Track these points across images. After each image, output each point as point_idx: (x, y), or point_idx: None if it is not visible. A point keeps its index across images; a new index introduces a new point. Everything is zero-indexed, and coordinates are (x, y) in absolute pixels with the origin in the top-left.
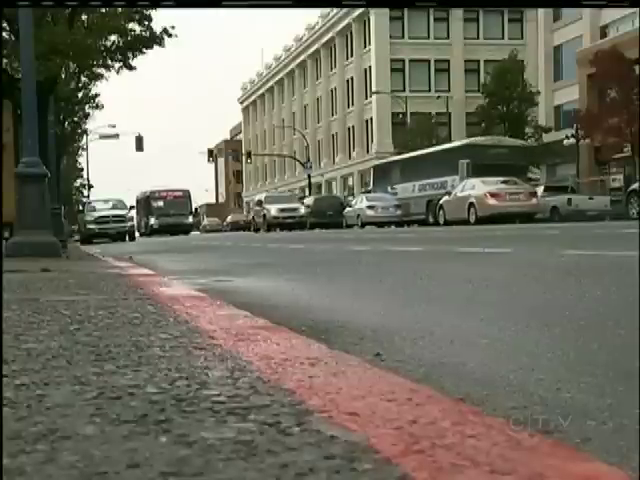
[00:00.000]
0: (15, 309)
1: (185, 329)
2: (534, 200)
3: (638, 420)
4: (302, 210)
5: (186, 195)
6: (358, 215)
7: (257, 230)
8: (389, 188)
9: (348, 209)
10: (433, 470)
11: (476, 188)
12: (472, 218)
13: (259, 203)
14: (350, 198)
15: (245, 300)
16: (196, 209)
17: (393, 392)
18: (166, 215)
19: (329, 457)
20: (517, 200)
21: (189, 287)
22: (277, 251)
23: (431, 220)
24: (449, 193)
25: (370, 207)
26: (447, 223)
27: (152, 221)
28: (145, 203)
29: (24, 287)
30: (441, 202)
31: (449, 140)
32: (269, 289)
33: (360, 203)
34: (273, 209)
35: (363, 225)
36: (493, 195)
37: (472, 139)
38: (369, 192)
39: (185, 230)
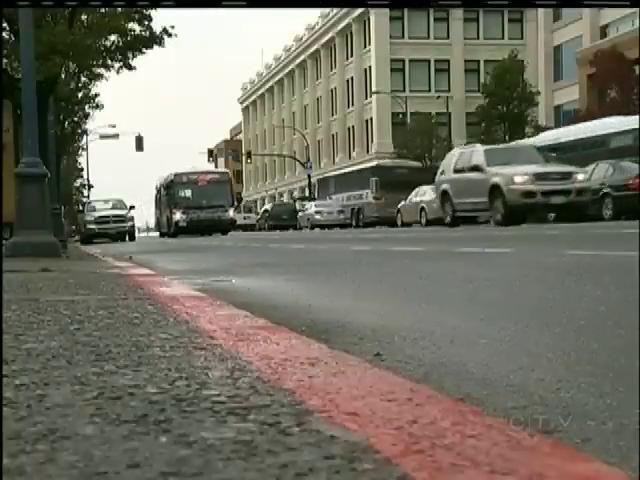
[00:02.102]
0: (15, 309)
1: (185, 329)
2: None
3: (638, 420)
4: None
5: (225, 179)
6: (308, 219)
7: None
8: (327, 197)
9: (300, 213)
10: (433, 470)
11: (427, 195)
12: (423, 221)
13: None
14: (304, 204)
15: (245, 300)
16: None
17: (393, 392)
18: (197, 207)
19: (329, 457)
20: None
21: (189, 287)
22: (277, 251)
23: (353, 223)
24: (366, 203)
25: (317, 212)
26: (404, 224)
27: (177, 216)
28: (167, 192)
29: (24, 287)
30: (398, 206)
31: (449, 140)
32: (269, 289)
33: (310, 209)
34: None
35: (312, 227)
36: None
37: (380, 161)
38: (314, 199)
39: (224, 229)
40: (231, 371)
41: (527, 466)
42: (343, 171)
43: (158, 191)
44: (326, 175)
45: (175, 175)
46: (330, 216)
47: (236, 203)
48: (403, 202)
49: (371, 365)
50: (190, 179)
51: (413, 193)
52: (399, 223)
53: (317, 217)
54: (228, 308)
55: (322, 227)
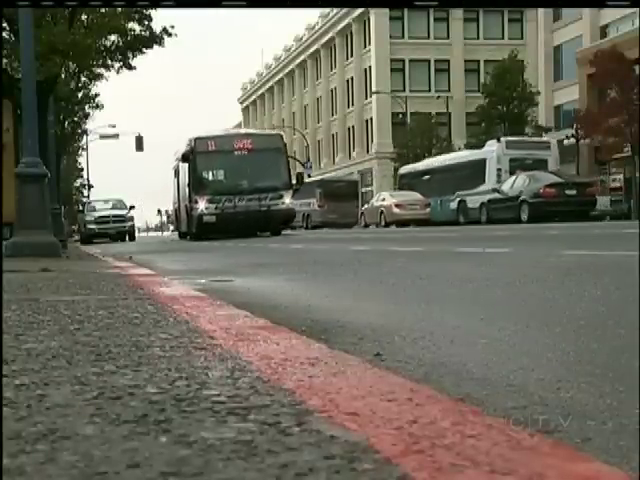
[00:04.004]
0: (15, 309)
1: (185, 329)
2: (427, 210)
3: (638, 420)
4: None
5: (277, 145)
6: None
7: None
8: None
9: None
10: (433, 470)
11: (386, 200)
12: (382, 222)
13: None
14: None
15: (245, 300)
16: None
17: (393, 392)
18: (233, 192)
19: (329, 457)
20: (415, 209)
21: (189, 287)
22: (277, 251)
23: (304, 226)
24: (313, 210)
25: None
26: (367, 225)
27: (201, 207)
28: (190, 167)
29: (24, 287)
30: (362, 209)
31: (449, 140)
32: (269, 289)
33: None
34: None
35: None
36: (397, 205)
37: (324, 176)
38: None
39: (276, 226)
40: (231, 371)
41: (527, 466)
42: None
43: (175, 172)
44: None
45: (197, 141)
46: None
47: (297, 185)
48: (367, 205)
49: (371, 365)
50: (220, 147)
51: (374, 198)
52: (363, 224)
53: None
54: (228, 308)
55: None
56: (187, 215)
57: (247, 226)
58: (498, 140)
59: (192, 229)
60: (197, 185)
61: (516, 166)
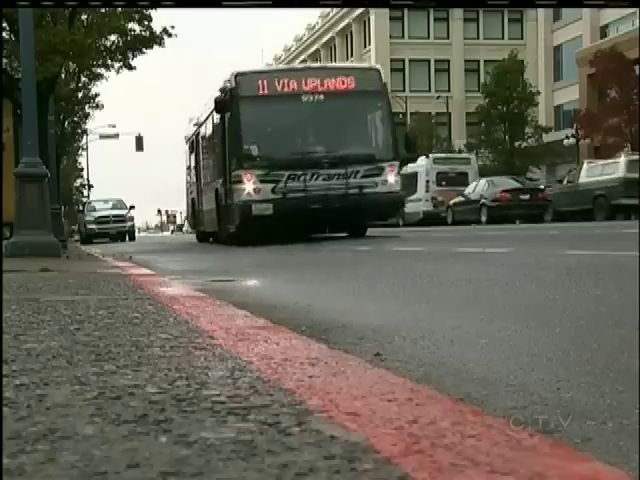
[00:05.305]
0: (15, 309)
1: (185, 329)
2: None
3: (638, 420)
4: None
5: (374, 86)
6: None
7: None
8: None
9: None
10: (433, 470)
11: None
12: None
13: None
14: None
15: (245, 300)
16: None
17: (393, 392)
18: (299, 165)
19: (329, 457)
20: None
21: (189, 287)
22: (276, 251)
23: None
24: None
25: None
26: None
27: (248, 188)
28: (228, 124)
29: (24, 287)
30: None
31: (449, 140)
32: (269, 289)
33: None
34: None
35: None
36: None
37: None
38: None
39: (369, 218)
40: (231, 371)
41: (527, 466)
42: None
43: (192, 144)
44: None
45: (240, 79)
46: None
47: (406, 153)
48: None
49: (371, 365)
50: (280, 89)
51: None
52: None
53: None
54: (228, 308)
55: None
56: (217, 205)
57: (324, 221)
58: (427, 156)
59: (227, 227)
60: (240, 154)
61: (441, 178)
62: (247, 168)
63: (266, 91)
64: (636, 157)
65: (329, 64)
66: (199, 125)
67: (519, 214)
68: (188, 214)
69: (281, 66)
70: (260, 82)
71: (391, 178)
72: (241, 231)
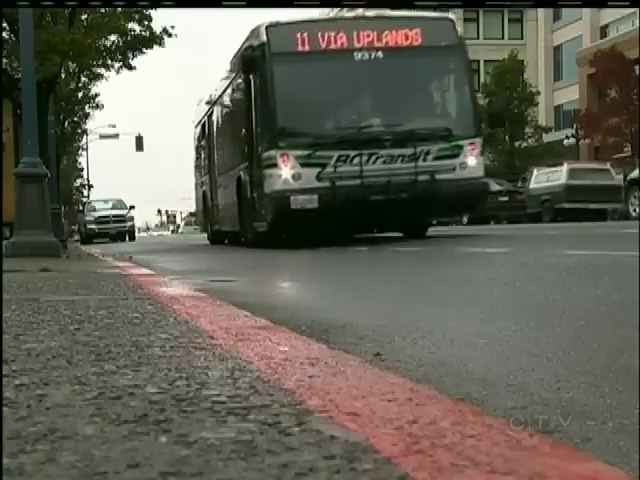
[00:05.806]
0: (15, 309)
1: (185, 329)
2: None
3: (638, 420)
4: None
5: (449, 41)
6: None
7: None
8: None
9: None
10: (433, 470)
11: None
12: None
13: None
14: None
15: (245, 300)
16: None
17: (393, 392)
18: (362, 142)
19: (329, 457)
20: None
21: (189, 287)
22: (277, 251)
23: None
24: None
25: None
26: None
27: (286, 174)
28: (257, 89)
29: (24, 287)
30: None
31: None
32: (269, 289)
33: None
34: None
35: None
36: None
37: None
38: None
39: (442, 212)
40: (231, 371)
41: (527, 466)
42: None
43: (203, 126)
44: None
45: (272, 31)
46: None
47: (490, 128)
48: None
49: (371, 365)
50: (325, 44)
51: None
52: None
53: None
54: (228, 308)
55: None
56: (239, 198)
57: (387, 216)
58: None
59: (254, 225)
60: (274, 129)
61: None
62: (283, 148)
63: (307, 47)
64: (577, 165)
65: (389, 12)
66: (213, 103)
67: (498, 215)
68: (198, 211)
69: (323, 16)
70: (299, 35)
71: (472, 160)
72: (274, 230)
